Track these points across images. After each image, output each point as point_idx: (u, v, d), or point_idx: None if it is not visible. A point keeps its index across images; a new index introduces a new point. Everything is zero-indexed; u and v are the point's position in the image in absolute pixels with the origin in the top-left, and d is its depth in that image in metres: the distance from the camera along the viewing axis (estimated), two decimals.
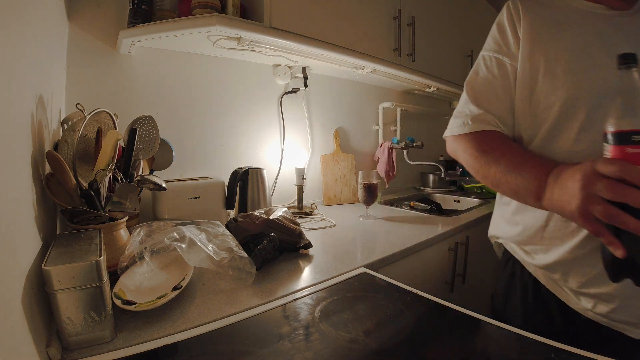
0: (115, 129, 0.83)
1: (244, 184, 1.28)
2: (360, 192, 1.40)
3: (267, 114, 1.49)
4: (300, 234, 0.99)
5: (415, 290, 0.73)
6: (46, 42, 0.75)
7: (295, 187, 1.48)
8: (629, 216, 0.48)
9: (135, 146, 0.87)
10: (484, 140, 0.77)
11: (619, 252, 0.50)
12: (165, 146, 1.10)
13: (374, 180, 1.39)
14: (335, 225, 1.29)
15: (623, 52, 0.53)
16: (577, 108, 0.67)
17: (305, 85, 1.54)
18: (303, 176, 1.48)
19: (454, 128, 0.83)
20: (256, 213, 1.02)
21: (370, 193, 1.39)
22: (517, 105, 0.77)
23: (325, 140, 1.72)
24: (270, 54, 1.29)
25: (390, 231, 1.22)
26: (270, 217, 1.00)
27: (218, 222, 0.93)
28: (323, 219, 1.37)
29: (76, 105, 0.72)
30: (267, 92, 1.48)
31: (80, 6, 1.04)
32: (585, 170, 0.53)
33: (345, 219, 1.40)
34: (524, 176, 0.66)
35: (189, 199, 1.16)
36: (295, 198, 1.50)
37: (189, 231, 0.79)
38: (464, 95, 0.87)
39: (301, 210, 1.46)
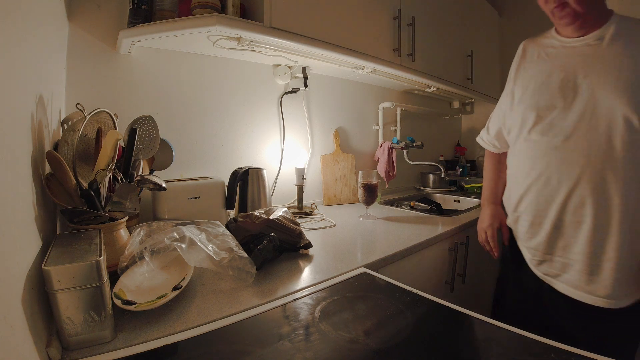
0: (115, 128, 0.83)
1: (244, 184, 1.28)
2: (360, 192, 1.40)
3: (267, 114, 1.49)
4: (300, 234, 0.99)
5: (415, 290, 0.73)
6: (46, 42, 0.75)
7: (295, 187, 1.48)
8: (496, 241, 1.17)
9: (135, 146, 0.87)
10: (486, 155, 1.30)
11: (494, 254, 1.18)
12: (165, 146, 1.10)
13: (374, 181, 1.39)
14: (335, 225, 1.29)
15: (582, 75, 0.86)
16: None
17: (305, 85, 1.54)
18: (303, 176, 1.48)
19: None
20: (256, 213, 1.02)
21: (370, 193, 1.39)
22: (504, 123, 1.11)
23: (325, 140, 1.72)
24: (270, 54, 1.29)
25: (390, 231, 1.22)
26: (270, 217, 1.00)
27: (218, 222, 0.93)
28: (323, 219, 1.37)
29: (76, 105, 0.72)
30: (267, 92, 1.48)
31: (81, 6, 1.04)
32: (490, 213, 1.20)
33: (345, 219, 1.40)
34: (483, 192, 1.29)
35: (189, 199, 1.16)
36: (296, 198, 1.50)
37: (189, 231, 0.79)
38: None
39: (301, 210, 1.46)
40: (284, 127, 1.53)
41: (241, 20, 1.04)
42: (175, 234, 0.75)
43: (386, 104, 1.93)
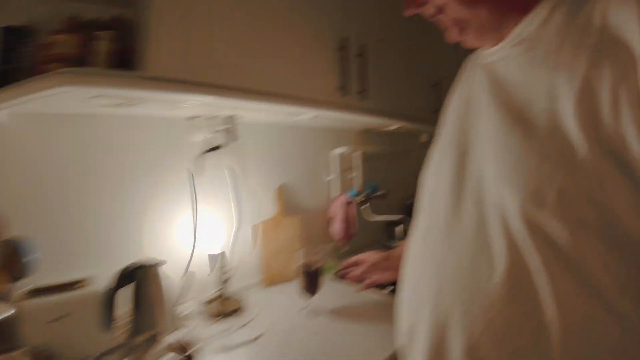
0: None
1: (139, 288, 0.90)
2: (300, 279, 1.05)
3: (180, 182, 1.12)
4: None
5: None
6: None
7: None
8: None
9: None
10: None
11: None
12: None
13: (317, 263, 1.04)
14: (259, 337, 0.92)
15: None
16: None
17: (231, 139, 1.20)
18: (219, 264, 1.11)
19: None
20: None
21: (312, 280, 1.04)
22: None
23: (264, 203, 1.36)
24: (164, 109, 0.95)
25: (338, 342, 0.86)
26: None
27: None
28: (247, 323, 1.00)
29: None
30: (180, 153, 1.12)
31: None
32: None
33: (283, 313, 1.04)
34: None
35: (47, 323, 0.78)
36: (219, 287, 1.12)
37: None
38: None
39: (224, 309, 1.08)
40: (200, 194, 1.15)
41: (101, 75, 0.69)
42: None
43: (341, 150, 1.60)
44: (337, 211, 1.53)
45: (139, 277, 0.89)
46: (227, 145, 1.20)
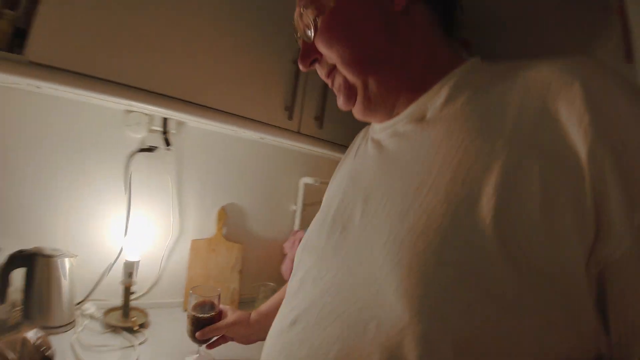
0: None
1: (31, 274, 0.87)
2: (188, 322, 0.81)
3: (110, 176, 1.08)
4: None
5: None
6: None
7: (123, 285, 1.02)
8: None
9: None
10: None
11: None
12: None
13: (208, 311, 0.81)
14: None
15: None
16: None
17: (167, 143, 1.15)
18: (132, 273, 1.02)
19: None
20: None
21: (198, 326, 0.79)
22: None
23: (204, 220, 1.27)
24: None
25: None
26: None
27: None
28: (129, 346, 0.89)
29: None
30: (113, 147, 1.09)
31: None
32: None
33: (168, 351, 0.91)
34: None
35: None
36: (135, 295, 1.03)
37: None
38: None
39: (124, 321, 0.98)
40: (131, 197, 1.10)
41: None
42: None
43: (308, 180, 1.47)
44: (290, 249, 1.38)
45: (32, 264, 0.88)
46: (164, 148, 1.15)
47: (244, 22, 0.96)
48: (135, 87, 0.81)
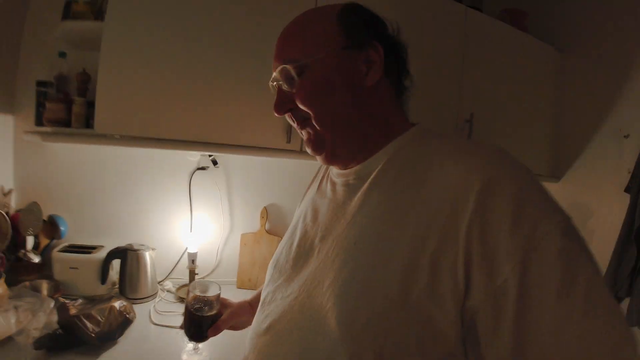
0: None
1: (124, 262, 1.34)
2: (183, 316, 0.77)
3: (176, 190, 1.47)
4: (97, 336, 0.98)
5: None
6: None
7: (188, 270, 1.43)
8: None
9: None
10: None
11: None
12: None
13: (207, 310, 0.74)
14: None
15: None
16: None
17: (214, 163, 1.44)
18: (194, 261, 1.40)
19: None
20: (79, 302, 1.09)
21: (198, 327, 0.73)
22: None
23: (250, 218, 1.56)
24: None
25: None
26: (74, 314, 1.01)
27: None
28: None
29: None
30: (179, 168, 1.47)
31: None
32: None
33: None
34: None
35: (70, 268, 1.31)
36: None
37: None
38: None
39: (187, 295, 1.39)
40: (192, 204, 1.48)
41: (58, 134, 1.09)
42: None
43: None
44: None
45: (125, 256, 1.32)
46: (212, 167, 1.46)
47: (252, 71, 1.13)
48: (179, 141, 1.11)
